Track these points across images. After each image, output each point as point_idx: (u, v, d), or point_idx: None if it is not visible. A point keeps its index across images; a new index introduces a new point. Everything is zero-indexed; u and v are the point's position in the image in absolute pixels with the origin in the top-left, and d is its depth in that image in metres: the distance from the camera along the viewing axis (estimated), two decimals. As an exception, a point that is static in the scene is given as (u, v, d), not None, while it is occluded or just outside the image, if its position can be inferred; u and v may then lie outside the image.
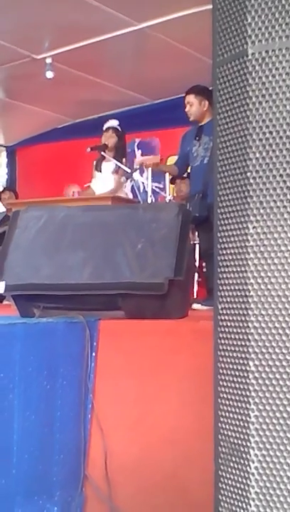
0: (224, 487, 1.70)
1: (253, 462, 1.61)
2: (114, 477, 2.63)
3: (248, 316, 1.65)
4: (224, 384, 1.72)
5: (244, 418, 1.64)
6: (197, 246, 5.32)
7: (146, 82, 6.87)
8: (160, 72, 6.45)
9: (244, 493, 1.62)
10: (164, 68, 6.32)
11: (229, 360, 1.71)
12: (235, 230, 1.70)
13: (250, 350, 1.64)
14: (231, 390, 1.70)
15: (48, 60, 6.25)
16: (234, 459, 1.67)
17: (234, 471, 1.66)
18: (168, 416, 2.61)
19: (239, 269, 1.68)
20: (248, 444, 1.62)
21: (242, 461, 1.64)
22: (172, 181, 6.53)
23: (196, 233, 5.21)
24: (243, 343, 1.66)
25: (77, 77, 6.69)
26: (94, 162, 5.59)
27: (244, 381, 1.65)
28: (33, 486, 2.54)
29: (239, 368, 1.67)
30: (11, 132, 8.72)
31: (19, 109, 7.63)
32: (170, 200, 6.23)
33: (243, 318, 1.66)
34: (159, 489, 2.55)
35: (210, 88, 4.51)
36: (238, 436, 1.66)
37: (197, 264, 5.44)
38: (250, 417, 1.63)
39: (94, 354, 2.78)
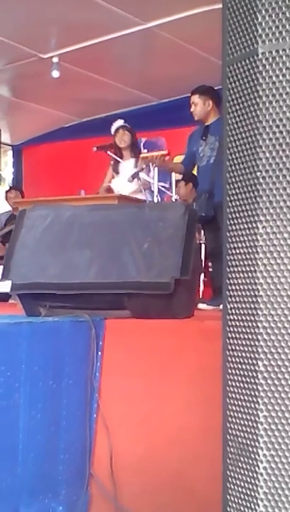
0: (233, 487, 1.69)
1: (262, 462, 1.61)
2: (120, 476, 2.63)
3: (257, 316, 1.64)
4: (233, 384, 1.72)
5: (252, 418, 1.64)
6: (203, 246, 5.32)
7: (152, 82, 6.87)
8: (166, 72, 6.44)
9: (252, 494, 1.62)
10: (171, 68, 6.31)
11: (238, 359, 1.70)
12: (245, 229, 1.70)
13: (259, 350, 1.63)
14: (240, 390, 1.69)
15: (55, 59, 6.25)
16: (242, 459, 1.66)
17: (242, 472, 1.66)
18: (174, 415, 2.61)
19: (248, 269, 1.68)
20: (257, 444, 1.62)
21: (250, 462, 1.63)
22: (176, 183, 6.53)
23: (202, 233, 5.21)
24: (252, 343, 1.65)
25: (84, 77, 6.69)
26: (112, 162, 5.59)
27: (253, 381, 1.65)
28: (38, 484, 2.54)
29: (248, 367, 1.66)
30: (18, 131, 8.72)
31: (25, 109, 7.64)
32: (176, 199, 6.23)
33: (252, 318, 1.66)
34: (165, 489, 2.55)
35: (216, 88, 4.54)
36: (247, 436, 1.65)
37: (203, 263, 5.44)
38: (259, 417, 1.62)
39: (99, 353, 2.78)
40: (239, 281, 1.71)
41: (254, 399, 1.64)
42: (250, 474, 1.63)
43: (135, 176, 5.09)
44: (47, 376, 2.60)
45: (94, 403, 2.73)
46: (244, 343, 1.69)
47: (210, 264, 5.29)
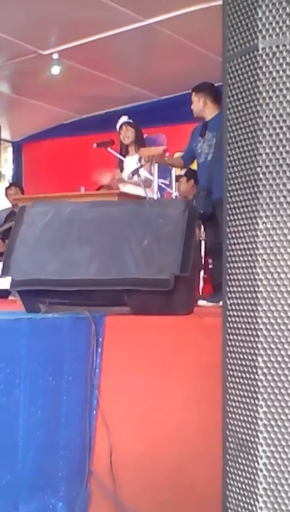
0: (232, 483, 1.69)
1: (261, 458, 1.61)
2: (120, 473, 2.63)
3: (257, 312, 1.64)
4: (233, 380, 1.72)
5: (252, 414, 1.64)
6: (203, 242, 5.32)
7: (152, 78, 6.86)
8: (166, 68, 6.43)
9: (252, 489, 1.62)
10: (171, 64, 6.30)
11: (237, 355, 1.70)
12: (245, 225, 1.70)
13: (259, 345, 1.63)
14: (239, 386, 1.69)
15: (55, 56, 6.24)
16: (242, 455, 1.66)
17: (242, 467, 1.66)
18: (174, 412, 2.61)
19: (248, 265, 1.68)
20: (256, 440, 1.62)
21: (250, 457, 1.63)
22: (177, 179, 6.53)
23: (202, 229, 5.20)
24: (252, 339, 1.65)
25: (84, 73, 6.69)
26: (117, 160, 5.58)
27: (252, 377, 1.65)
28: (38, 481, 2.54)
29: (248, 363, 1.66)
30: (17, 128, 8.72)
31: (25, 105, 7.63)
32: (176, 196, 6.23)
33: (252, 314, 1.66)
34: (165, 485, 2.55)
35: (217, 84, 4.54)
36: (246, 432, 1.65)
37: (203, 260, 5.44)
38: (259, 413, 1.62)
39: (99, 350, 2.77)
40: (239, 277, 1.71)
41: (254, 395, 1.64)
42: (250, 470, 1.63)
43: (135, 172, 5.08)
44: (47, 373, 2.60)
45: (93, 400, 2.73)
46: (243, 339, 1.69)
47: (210, 260, 5.29)
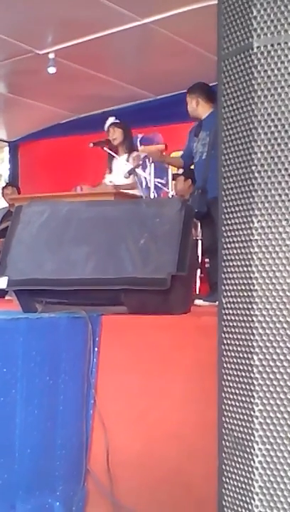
0: (228, 481, 1.69)
1: (257, 456, 1.61)
2: (116, 472, 2.63)
3: (252, 310, 1.64)
4: (228, 378, 1.72)
5: (248, 412, 1.64)
6: (200, 242, 5.32)
7: (149, 78, 6.85)
8: (163, 68, 6.43)
9: (247, 487, 1.62)
10: (167, 64, 6.29)
11: (233, 354, 1.70)
12: (240, 223, 1.70)
13: (254, 344, 1.63)
14: (235, 384, 1.70)
15: (51, 56, 6.23)
16: (238, 453, 1.67)
17: (237, 465, 1.66)
18: (171, 411, 2.61)
19: (243, 263, 1.68)
20: (252, 438, 1.62)
21: (245, 456, 1.64)
22: (173, 178, 6.53)
23: (199, 229, 5.21)
24: (247, 337, 1.65)
25: (80, 73, 6.67)
26: (108, 159, 5.57)
27: (248, 375, 1.65)
28: (35, 480, 2.54)
29: (244, 362, 1.66)
30: (14, 127, 8.70)
31: (22, 105, 7.62)
32: (173, 195, 6.23)
33: (247, 312, 1.66)
34: (162, 484, 2.55)
35: (211, 84, 4.54)
36: (242, 430, 1.66)
37: (200, 259, 5.44)
38: (254, 411, 1.62)
39: (96, 349, 2.78)
40: (235, 276, 1.71)
41: (250, 393, 1.64)
42: (245, 468, 1.63)
43: (131, 171, 5.07)
44: (43, 372, 2.60)
45: (90, 399, 2.73)
46: (239, 337, 1.69)
47: (206, 260, 5.29)
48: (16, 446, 2.49)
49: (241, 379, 1.68)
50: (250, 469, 1.62)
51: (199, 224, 5.14)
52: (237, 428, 1.68)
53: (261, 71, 1.67)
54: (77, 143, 7.49)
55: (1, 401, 2.46)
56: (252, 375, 1.64)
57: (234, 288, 1.71)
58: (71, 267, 2.94)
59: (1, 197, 7.55)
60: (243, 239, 1.69)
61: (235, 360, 1.70)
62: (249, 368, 1.65)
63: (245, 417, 1.65)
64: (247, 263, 1.67)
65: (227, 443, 1.71)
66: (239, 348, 1.69)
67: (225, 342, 1.75)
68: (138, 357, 2.73)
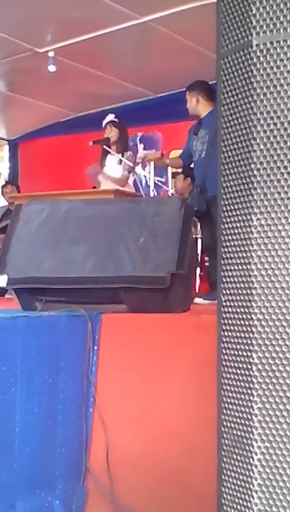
0: (227, 479, 1.69)
1: (256, 454, 1.61)
2: (116, 470, 2.63)
3: (252, 308, 1.64)
4: (228, 376, 1.72)
5: (247, 410, 1.64)
6: (199, 240, 5.32)
7: (148, 76, 6.85)
8: (163, 66, 6.42)
9: (247, 485, 1.62)
10: (167, 62, 6.29)
11: (232, 352, 1.70)
12: (239, 221, 1.70)
13: (254, 342, 1.63)
14: (234, 382, 1.69)
15: (51, 54, 6.22)
16: (237, 451, 1.67)
17: (237, 464, 1.66)
18: (171, 409, 2.61)
19: (243, 261, 1.68)
20: (251, 436, 1.62)
21: (245, 454, 1.64)
22: (173, 176, 6.53)
23: (199, 227, 5.21)
24: (246, 335, 1.65)
25: (80, 71, 6.67)
26: (100, 156, 5.58)
27: (247, 373, 1.65)
28: (34, 479, 2.54)
29: (243, 360, 1.66)
30: (13, 126, 8.70)
31: (21, 103, 7.62)
32: (172, 194, 6.23)
33: (247, 310, 1.66)
34: (162, 483, 2.55)
35: (210, 82, 4.54)
36: (241, 428, 1.66)
37: (199, 258, 5.44)
38: (253, 409, 1.62)
39: (96, 348, 2.77)
40: (234, 274, 1.71)
41: (249, 391, 1.64)
42: (245, 466, 1.63)
43: (131, 170, 5.08)
44: (43, 370, 2.60)
45: (90, 397, 2.73)
46: (238, 335, 1.69)
47: (206, 258, 5.29)
48: (16, 445, 2.49)
49: (240, 377, 1.68)
50: (249, 467, 1.62)
51: (198, 222, 5.14)
52: (236, 426, 1.68)
53: (261, 69, 1.66)
54: (77, 141, 7.49)
55: (1, 399, 2.46)
56: (251, 373, 1.64)
57: (234, 286, 1.71)
58: (70, 265, 2.94)
59: (1, 195, 7.55)
60: (242, 237, 1.69)
61: (235, 358, 1.70)
62: (249, 366, 1.65)
63: (244, 415, 1.65)
64: (246, 261, 1.67)
65: (227, 441, 1.71)
66: (238, 346, 1.69)
67: (225, 340, 1.75)
68: (137, 355, 2.73)
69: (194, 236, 4.77)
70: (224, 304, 1.75)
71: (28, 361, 2.54)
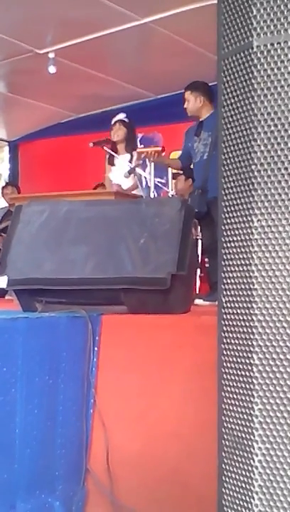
0: (228, 480, 1.69)
1: (257, 455, 1.61)
2: (116, 471, 2.63)
3: (252, 310, 1.64)
4: (228, 377, 1.72)
5: (247, 411, 1.64)
6: (199, 241, 5.32)
7: (149, 77, 6.86)
8: (163, 67, 6.43)
9: (247, 487, 1.62)
10: (167, 63, 6.30)
11: (233, 353, 1.70)
12: (240, 223, 1.70)
13: (254, 343, 1.63)
14: (235, 384, 1.69)
15: (51, 55, 6.23)
16: (237, 453, 1.66)
17: (237, 465, 1.66)
18: (171, 410, 2.61)
19: (243, 262, 1.68)
20: (252, 437, 1.62)
21: (245, 455, 1.64)
22: (174, 177, 6.54)
23: (199, 228, 5.21)
24: (247, 337, 1.65)
25: (80, 72, 6.68)
26: (107, 156, 5.58)
27: (248, 374, 1.65)
28: (35, 480, 2.54)
29: (243, 361, 1.66)
30: (14, 127, 8.71)
31: (22, 104, 7.62)
32: (172, 195, 6.23)
33: (247, 312, 1.66)
34: (162, 484, 2.55)
35: (211, 84, 4.54)
36: (242, 429, 1.66)
37: (199, 259, 5.44)
38: (254, 411, 1.62)
39: (96, 349, 2.77)
40: (235, 275, 1.71)
41: (249, 392, 1.64)
42: (245, 467, 1.63)
43: (132, 171, 5.08)
44: (43, 371, 2.60)
45: (90, 398, 2.73)
46: (239, 336, 1.69)
47: (206, 259, 5.29)
48: (16, 446, 2.49)
49: (241, 378, 1.68)
50: (250, 468, 1.62)
51: (198, 223, 5.14)
52: (236, 427, 1.68)
53: (261, 70, 1.67)
54: (77, 142, 7.49)
55: (1, 400, 2.46)
56: (252, 374, 1.64)
57: (234, 287, 1.71)
58: (71, 266, 2.94)
59: (1, 196, 7.55)
60: (243, 238, 1.69)
61: (235, 360, 1.70)
62: (249, 367, 1.64)
63: (245, 416, 1.65)
64: (247, 262, 1.67)
65: (227, 442, 1.71)
66: (239, 348, 1.69)
67: (225, 341, 1.75)
68: (138, 356, 2.73)
69: (194, 237, 4.78)
70: (224, 305, 1.75)
71: (28, 362, 2.54)
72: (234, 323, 1.71)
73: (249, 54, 1.69)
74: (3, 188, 7.64)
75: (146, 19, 5.55)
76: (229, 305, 1.73)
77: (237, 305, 1.70)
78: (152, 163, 5.34)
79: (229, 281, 1.73)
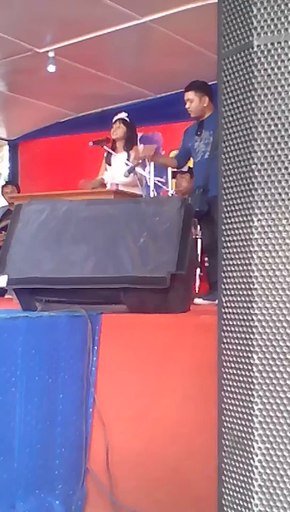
0: (228, 480, 1.69)
1: (256, 455, 1.61)
2: (116, 471, 2.63)
3: (252, 309, 1.64)
4: (228, 377, 1.72)
5: (247, 411, 1.64)
6: (199, 240, 5.32)
7: (148, 76, 6.85)
8: (163, 66, 6.42)
9: (247, 486, 1.62)
10: (167, 62, 6.29)
11: (233, 353, 1.70)
12: (240, 222, 1.70)
13: (254, 343, 1.63)
14: (235, 383, 1.69)
15: (51, 54, 6.22)
16: (237, 452, 1.66)
17: (237, 464, 1.66)
18: (171, 410, 2.61)
19: (243, 262, 1.68)
20: (251, 437, 1.62)
21: (245, 454, 1.64)
22: (174, 175, 6.53)
23: (198, 228, 5.20)
24: (247, 336, 1.65)
25: (80, 71, 6.67)
26: (105, 154, 5.58)
27: (247, 374, 1.65)
28: (34, 479, 2.54)
29: (243, 360, 1.66)
30: (13, 126, 8.70)
31: (21, 103, 7.61)
32: (172, 194, 6.23)
33: (247, 311, 1.66)
34: (161, 483, 2.55)
35: (210, 83, 4.53)
36: (241, 429, 1.66)
37: (199, 258, 5.44)
38: (254, 410, 1.62)
39: (95, 348, 2.77)
40: (235, 275, 1.71)
41: (249, 392, 1.64)
42: (245, 467, 1.63)
43: (131, 170, 5.07)
44: (43, 371, 2.60)
45: (90, 398, 2.73)
46: (239, 336, 1.69)
47: (206, 259, 5.29)
48: (16, 445, 2.49)
49: (240, 378, 1.68)
50: (250, 468, 1.62)
51: (198, 222, 5.14)
52: (236, 427, 1.68)
53: (261, 70, 1.67)
54: (77, 141, 7.49)
55: (1, 400, 2.46)
56: (252, 373, 1.64)
57: (234, 287, 1.71)
58: (70, 265, 2.94)
59: (1, 195, 7.54)
60: (243, 237, 1.69)
61: (235, 359, 1.70)
62: (249, 367, 1.65)
63: (245, 415, 1.65)
64: (247, 262, 1.67)
65: (227, 442, 1.71)
66: (238, 347, 1.69)
67: (225, 341, 1.75)
68: (137, 356, 2.73)
69: (194, 236, 4.77)
70: (224, 304, 1.75)
71: (27, 361, 2.54)
72: (234, 323, 1.71)
73: (249, 53, 1.69)
74: (2, 186, 7.63)
75: (146, 18, 5.53)
76: (229, 304, 1.73)
77: (237, 305, 1.70)
78: (152, 163, 5.33)
79: (229, 280, 1.74)
